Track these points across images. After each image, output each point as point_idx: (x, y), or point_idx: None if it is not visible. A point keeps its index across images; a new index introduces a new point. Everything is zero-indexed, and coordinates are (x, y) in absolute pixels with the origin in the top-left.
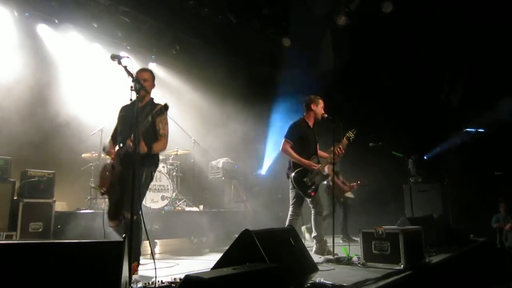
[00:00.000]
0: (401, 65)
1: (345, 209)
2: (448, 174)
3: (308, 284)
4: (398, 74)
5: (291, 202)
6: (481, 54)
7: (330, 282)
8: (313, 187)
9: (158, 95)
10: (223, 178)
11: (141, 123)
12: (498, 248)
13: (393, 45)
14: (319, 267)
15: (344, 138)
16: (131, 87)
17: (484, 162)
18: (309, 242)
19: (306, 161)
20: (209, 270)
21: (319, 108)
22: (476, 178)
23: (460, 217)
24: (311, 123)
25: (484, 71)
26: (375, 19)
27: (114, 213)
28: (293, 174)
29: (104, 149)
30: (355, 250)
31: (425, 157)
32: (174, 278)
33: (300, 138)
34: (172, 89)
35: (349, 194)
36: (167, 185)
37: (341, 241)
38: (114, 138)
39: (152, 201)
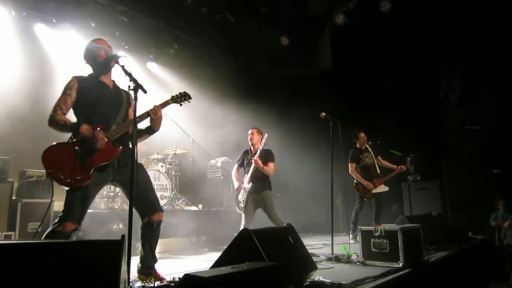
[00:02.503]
0: (399, 64)
1: (377, 206)
2: (446, 172)
3: (307, 283)
4: (396, 73)
5: None
6: (479, 52)
7: (329, 280)
8: (241, 203)
9: (156, 94)
10: (222, 177)
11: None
12: (497, 246)
13: (392, 44)
14: (318, 265)
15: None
16: (129, 86)
17: (483, 160)
18: None
19: (236, 184)
20: (208, 269)
21: (252, 139)
22: (475, 176)
23: (458, 215)
24: (252, 149)
25: (482, 69)
26: (373, 17)
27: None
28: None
29: (76, 125)
30: (354, 249)
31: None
32: (173, 277)
33: (240, 163)
34: (170, 88)
35: (380, 189)
36: (166, 185)
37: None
38: (80, 115)
39: None
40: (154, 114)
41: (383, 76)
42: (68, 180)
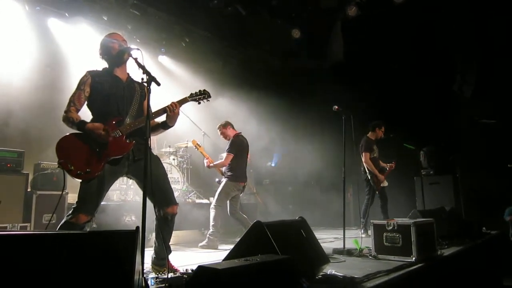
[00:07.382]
0: (413, 56)
1: (383, 199)
2: (460, 166)
3: (319, 276)
4: (410, 65)
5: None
6: (494, 44)
7: (341, 274)
8: None
9: (168, 87)
10: None
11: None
12: (511, 241)
13: (405, 36)
14: (330, 259)
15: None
16: (142, 79)
17: (497, 154)
18: None
19: None
20: (220, 261)
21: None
22: (489, 170)
23: (472, 210)
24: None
25: (497, 61)
26: (386, 9)
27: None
28: None
29: (82, 123)
30: (366, 243)
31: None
32: (186, 269)
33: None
34: (181, 81)
35: (384, 183)
36: (178, 177)
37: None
38: (94, 109)
39: None
40: (171, 111)
41: (395, 68)
42: (78, 172)
